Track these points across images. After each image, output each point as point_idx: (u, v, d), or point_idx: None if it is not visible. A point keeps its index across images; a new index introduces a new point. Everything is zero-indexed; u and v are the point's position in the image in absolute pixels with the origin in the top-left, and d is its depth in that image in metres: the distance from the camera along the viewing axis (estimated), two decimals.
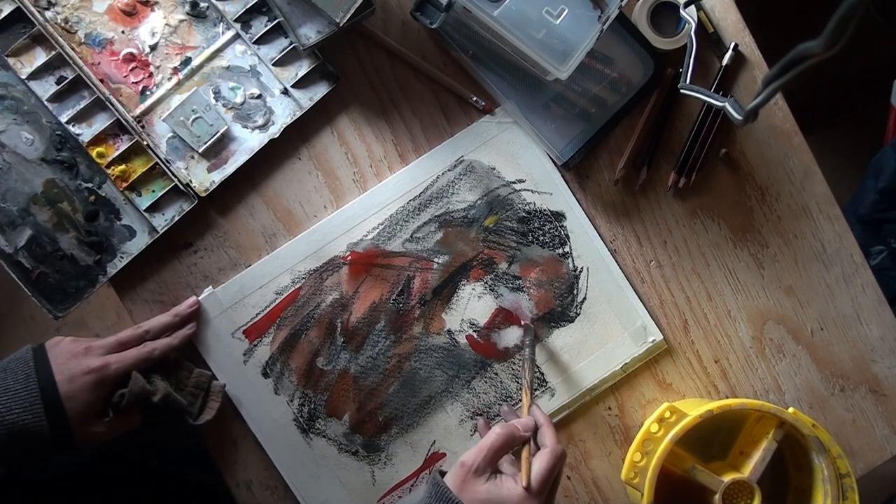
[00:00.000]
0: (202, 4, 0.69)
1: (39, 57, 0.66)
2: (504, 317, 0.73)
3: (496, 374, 0.73)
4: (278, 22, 0.69)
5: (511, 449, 0.59)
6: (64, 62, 0.67)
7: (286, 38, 0.69)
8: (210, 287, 0.70)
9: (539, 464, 0.57)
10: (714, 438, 0.73)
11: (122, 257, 0.69)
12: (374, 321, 0.72)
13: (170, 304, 0.70)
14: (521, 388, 0.71)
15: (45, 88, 0.67)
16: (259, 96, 0.70)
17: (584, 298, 0.74)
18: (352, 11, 0.65)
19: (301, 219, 0.72)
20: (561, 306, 0.74)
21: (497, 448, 0.58)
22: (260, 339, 0.71)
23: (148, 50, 0.69)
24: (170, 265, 0.71)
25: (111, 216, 0.69)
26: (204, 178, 0.69)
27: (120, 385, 0.61)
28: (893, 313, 0.77)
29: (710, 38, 0.73)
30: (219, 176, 0.69)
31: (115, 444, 0.63)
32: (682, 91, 0.70)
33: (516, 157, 0.73)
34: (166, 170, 0.68)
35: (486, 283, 0.73)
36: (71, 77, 0.67)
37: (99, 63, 0.68)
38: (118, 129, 0.68)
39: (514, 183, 0.73)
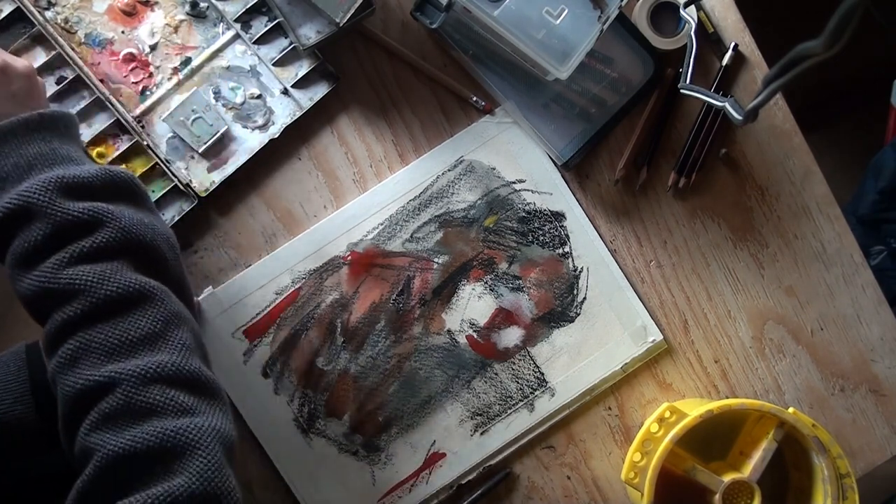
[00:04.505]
0: (202, 4, 0.69)
1: (39, 57, 0.66)
2: (504, 317, 0.73)
3: (496, 374, 0.73)
4: (278, 22, 0.69)
5: None
6: (64, 62, 0.67)
7: (286, 38, 0.69)
8: (210, 287, 0.70)
9: None
10: (714, 438, 0.73)
11: None
12: (374, 321, 0.72)
13: None
14: None
15: (45, 88, 0.67)
16: (259, 96, 0.70)
17: (584, 298, 0.74)
18: (352, 11, 0.65)
19: (301, 219, 0.72)
20: (561, 306, 0.74)
21: None
22: (260, 339, 0.71)
23: (148, 50, 0.69)
24: None
25: None
26: (204, 178, 0.69)
27: None
28: (893, 313, 0.77)
29: (710, 38, 0.73)
30: (219, 176, 0.69)
31: None
32: (682, 91, 0.70)
33: (516, 157, 0.73)
34: (166, 170, 0.68)
35: (486, 283, 0.73)
36: (71, 77, 0.67)
37: (99, 63, 0.68)
38: (118, 129, 0.68)
39: (514, 183, 0.73)
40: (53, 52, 0.66)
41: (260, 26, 0.69)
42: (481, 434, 0.73)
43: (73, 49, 0.67)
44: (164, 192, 0.68)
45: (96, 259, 0.49)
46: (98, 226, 0.49)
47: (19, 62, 0.57)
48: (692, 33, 0.70)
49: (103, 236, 0.49)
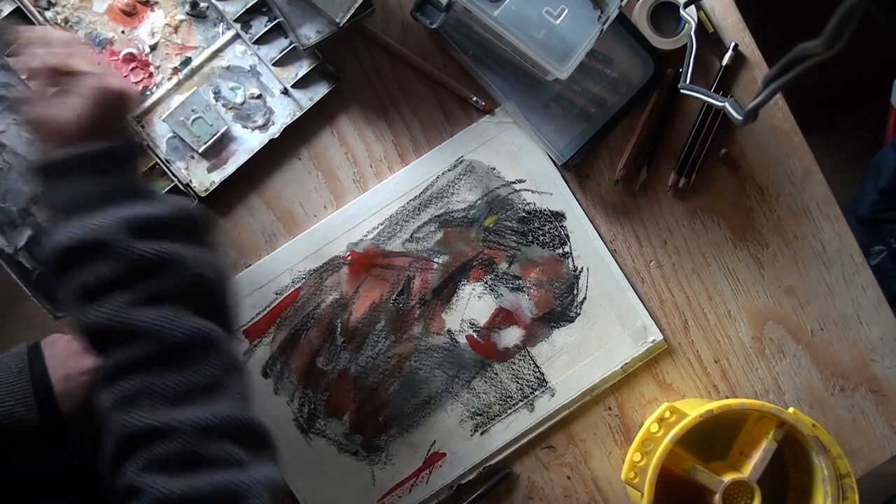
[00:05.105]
0: (202, 4, 0.69)
1: None
2: (504, 317, 0.73)
3: (496, 374, 0.73)
4: (278, 22, 0.69)
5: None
6: None
7: (286, 38, 0.69)
8: None
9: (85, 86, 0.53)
10: (714, 438, 0.73)
11: None
12: (374, 321, 0.72)
13: None
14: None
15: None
16: (259, 96, 0.70)
17: (584, 298, 0.74)
18: (352, 11, 0.65)
19: (301, 219, 0.72)
20: (561, 306, 0.74)
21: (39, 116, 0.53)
22: (260, 339, 0.71)
23: (148, 50, 0.69)
24: None
25: None
26: (204, 178, 0.69)
27: None
28: (893, 313, 0.77)
29: (710, 38, 0.73)
30: (219, 176, 0.69)
31: None
32: (682, 91, 0.70)
33: (516, 157, 0.73)
34: (166, 170, 0.68)
35: (486, 283, 0.73)
36: None
37: (99, 63, 0.68)
38: None
39: (514, 183, 0.73)
40: None
41: (260, 26, 0.69)
42: (481, 434, 0.73)
43: None
44: (164, 192, 0.68)
45: (162, 301, 0.50)
46: (166, 268, 0.50)
47: (133, 89, 0.58)
48: (692, 33, 0.70)
49: (170, 280, 0.50)
